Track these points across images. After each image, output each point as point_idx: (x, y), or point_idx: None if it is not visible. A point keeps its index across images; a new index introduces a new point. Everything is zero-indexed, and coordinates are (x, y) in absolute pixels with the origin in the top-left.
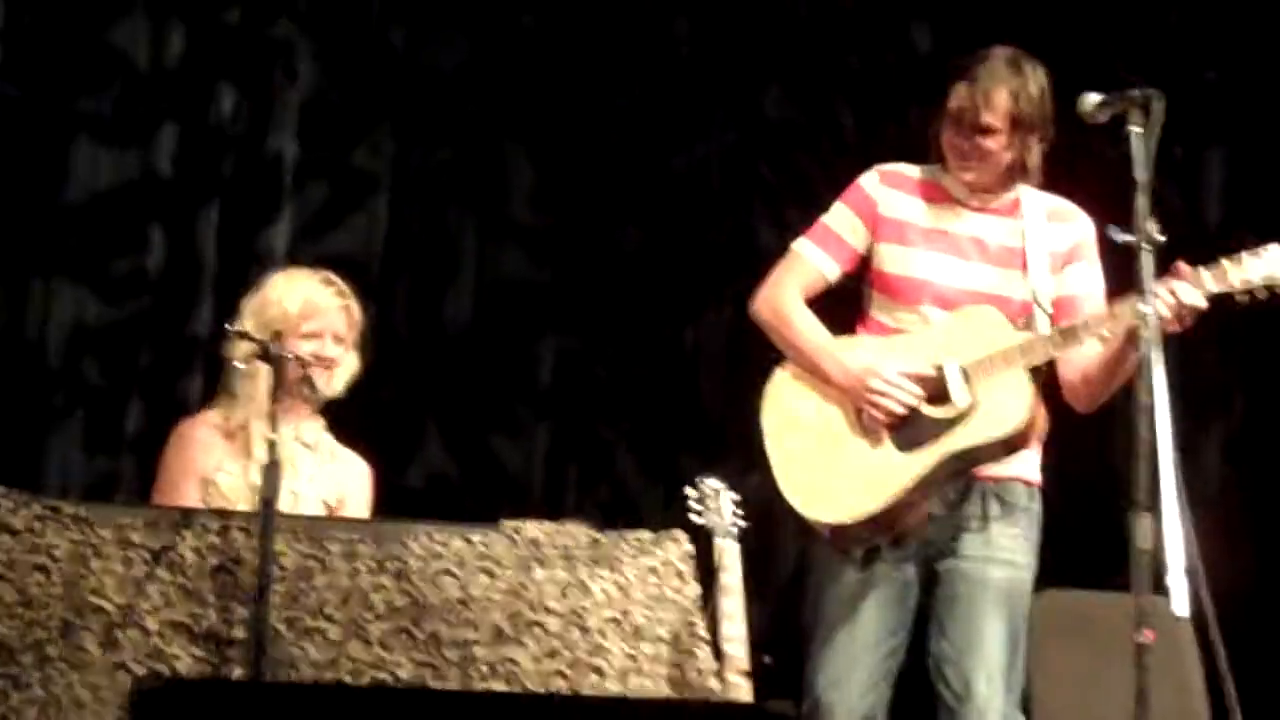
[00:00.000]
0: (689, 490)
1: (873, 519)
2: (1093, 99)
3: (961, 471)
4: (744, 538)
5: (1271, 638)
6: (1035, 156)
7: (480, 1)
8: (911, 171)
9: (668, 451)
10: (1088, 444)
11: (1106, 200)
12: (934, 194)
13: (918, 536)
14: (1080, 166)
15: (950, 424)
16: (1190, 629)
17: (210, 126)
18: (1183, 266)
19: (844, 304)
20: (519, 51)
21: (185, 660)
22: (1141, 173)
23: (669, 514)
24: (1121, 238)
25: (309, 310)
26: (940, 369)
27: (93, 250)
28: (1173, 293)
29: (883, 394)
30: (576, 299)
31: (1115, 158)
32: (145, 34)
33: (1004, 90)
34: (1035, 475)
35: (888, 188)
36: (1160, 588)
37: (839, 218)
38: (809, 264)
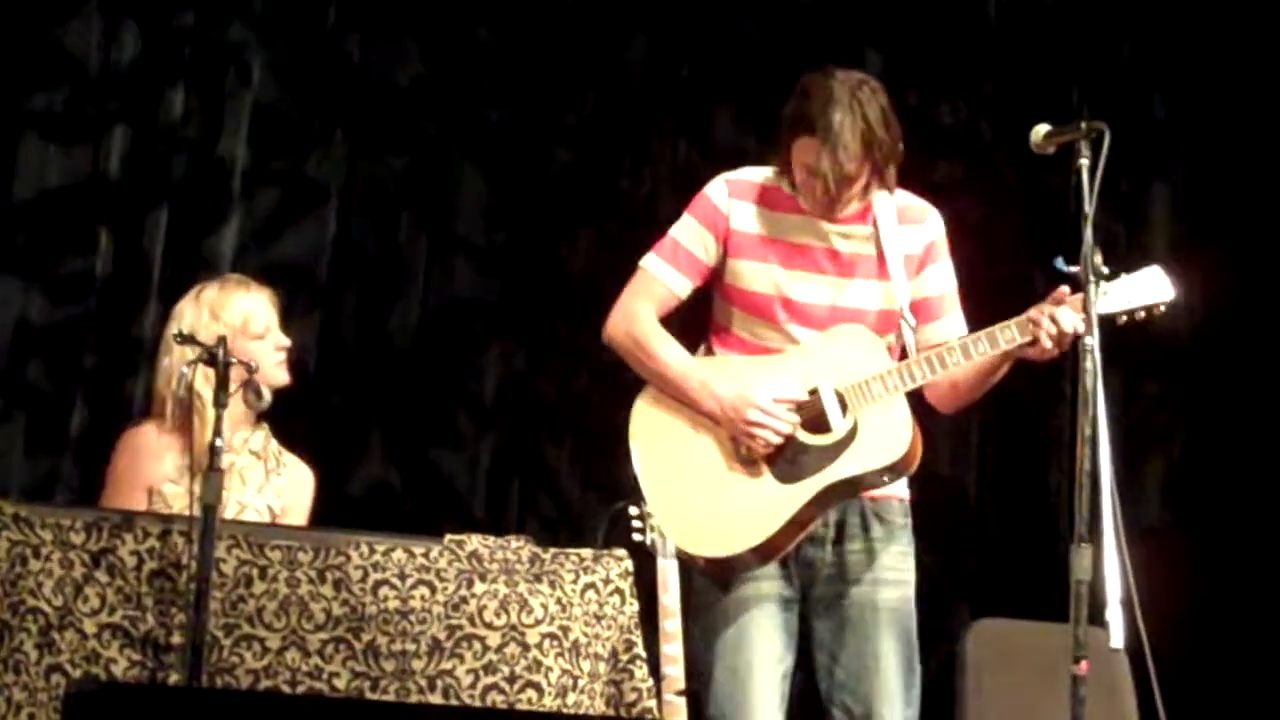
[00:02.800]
0: (631, 509)
1: (754, 550)
2: (1042, 130)
3: (844, 496)
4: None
5: (1206, 670)
6: (891, 174)
7: (435, 14)
8: (756, 177)
9: (610, 468)
10: (1025, 476)
11: (1053, 231)
12: (783, 202)
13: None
14: (1028, 197)
15: (830, 452)
16: (1126, 661)
17: (161, 129)
18: (1064, 291)
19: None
20: (473, 66)
21: (122, 664)
22: (1088, 205)
23: (610, 531)
24: (1067, 269)
25: (251, 318)
26: (815, 393)
27: (39, 250)
28: (1053, 319)
29: (759, 425)
30: (523, 314)
31: (1062, 189)
32: (98, 34)
33: (855, 137)
34: (907, 492)
35: (737, 200)
36: (1097, 619)
37: (689, 232)
38: (660, 283)
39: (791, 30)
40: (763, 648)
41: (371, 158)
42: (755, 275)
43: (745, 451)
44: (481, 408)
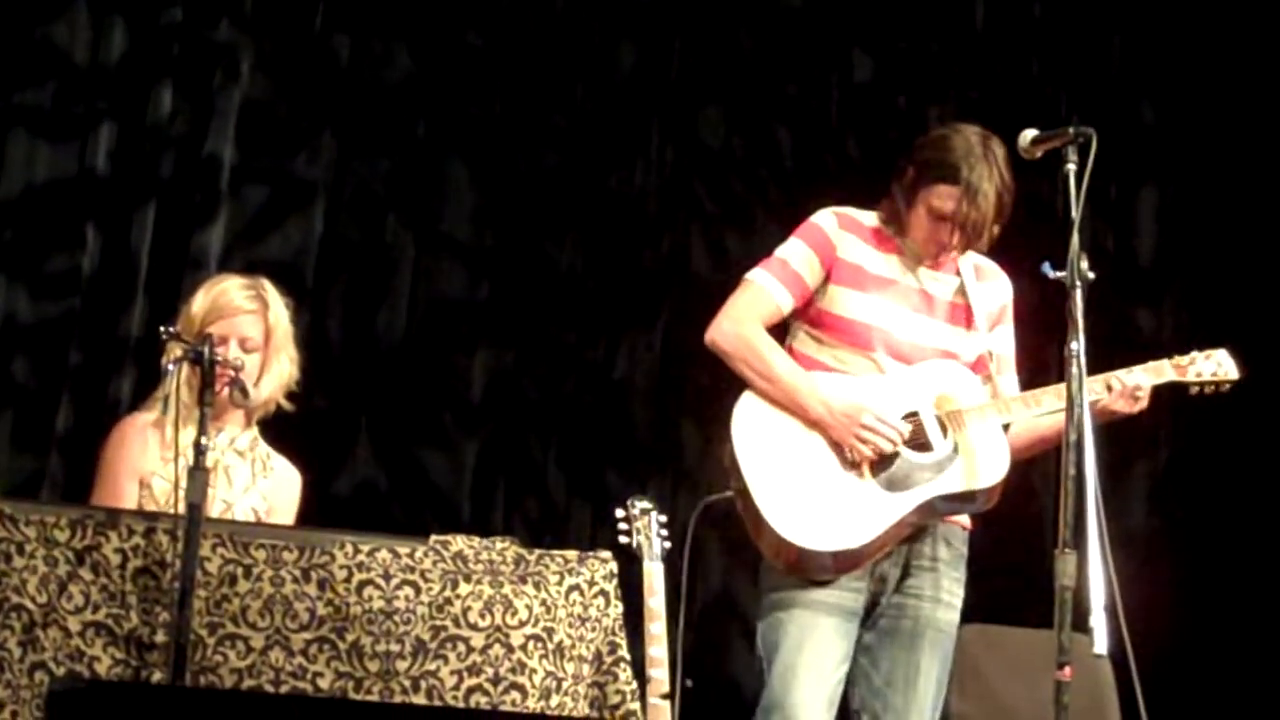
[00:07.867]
0: (618, 511)
1: (852, 553)
2: (1029, 135)
3: (934, 516)
4: (668, 560)
5: (1189, 677)
6: (997, 230)
7: (425, 16)
8: (864, 218)
9: (596, 469)
10: (1010, 482)
11: (1039, 236)
12: (885, 244)
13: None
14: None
15: (933, 468)
16: (1109, 667)
17: (148, 127)
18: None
19: None
20: (461, 66)
21: (105, 662)
22: (1075, 210)
23: (596, 533)
24: (1054, 274)
25: (214, 314)
26: (915, 416)
27: (26, 246)
28: (1122, 381)
29: (873, 430)
30: (510, 315)
31: (1049, 194)
32: (86, 30)
33: (992, 191)
34: (969, 521)
35: (845, 231)
36: (1081, 625)
37: (797, 254)
38: (767, 296)
39: (781, 33)
40: (824, 654)
41: (360, 158)
42: (856, 304)
43: (850, 457)
44: (468, 409)
